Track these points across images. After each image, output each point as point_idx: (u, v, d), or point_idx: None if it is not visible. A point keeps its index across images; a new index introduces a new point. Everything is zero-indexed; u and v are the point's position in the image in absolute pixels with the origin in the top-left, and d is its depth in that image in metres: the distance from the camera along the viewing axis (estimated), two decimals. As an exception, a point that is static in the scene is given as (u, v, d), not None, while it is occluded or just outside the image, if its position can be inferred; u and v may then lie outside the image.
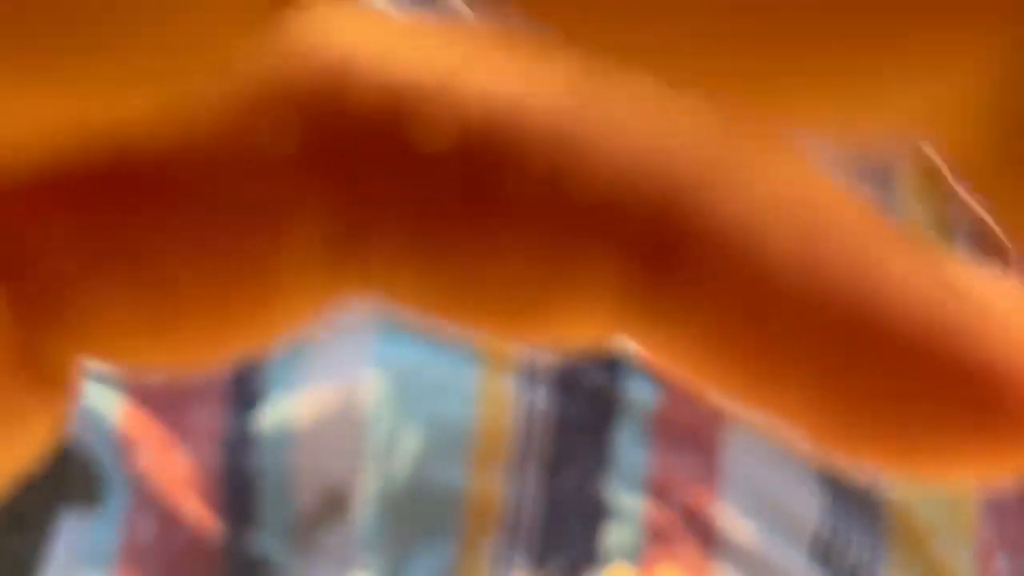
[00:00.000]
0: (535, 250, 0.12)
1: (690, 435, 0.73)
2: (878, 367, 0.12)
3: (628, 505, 0.72)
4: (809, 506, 0.74)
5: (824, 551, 0.73)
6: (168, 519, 0.73)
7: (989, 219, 0.70)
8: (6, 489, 0.12)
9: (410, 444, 0.71)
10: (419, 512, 0.72)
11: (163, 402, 0.74)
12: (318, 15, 0.11)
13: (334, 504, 0.72)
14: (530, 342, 0.12)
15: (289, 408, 0.73)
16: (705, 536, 0.72)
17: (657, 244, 0.12)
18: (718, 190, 0.11)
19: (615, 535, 0.72)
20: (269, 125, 0.11)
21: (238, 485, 0.73)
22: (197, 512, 0.73)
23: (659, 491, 0.72)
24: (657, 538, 0.72)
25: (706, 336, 0.12)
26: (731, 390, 0.12)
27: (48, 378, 0.12)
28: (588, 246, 0.12)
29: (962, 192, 0.70)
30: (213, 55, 0.09)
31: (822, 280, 0.11)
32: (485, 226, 0.12)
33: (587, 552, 0.72)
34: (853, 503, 0.75)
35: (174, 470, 0.73)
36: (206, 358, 0.12)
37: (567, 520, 0.72)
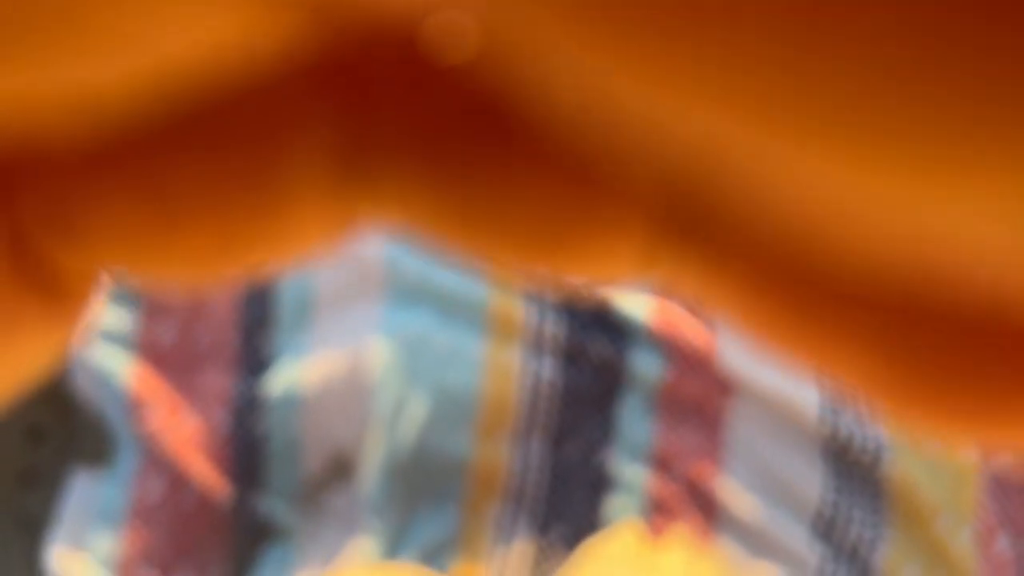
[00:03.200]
0: (563, 182, 0.11)
1: (695, 409, 0.73)
2: (944, 322, 0.10)
3: (632, 477, 0.72)
4: (812, 483, 0.73)
5: (826, 528, 0.73)
6: (177, 480, 0.73)
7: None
8: (7, 398, 0.12)
9: (417, 411, 0.72)
10: (424, 479, 0.72)
11: (173, 364, 0.74)
12: None
13: (340, 469, 0.72)
14: (555, 273, 0.12)
15: (297, 373, 0.73)
16: (707, 509, 0.72)
17: (691, 185, 0.10)
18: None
19: (618, 506, 0.72)
20: (275, 35, 0.10)
21: (246, 448, 0.73)
22: (205, 474, 0.73)
23: (663, 464, 0.72)
24: (660, 510, 0.72)
25: (746, 284, 0.11)
26: (768, 337, 0.11)
27: (53, 288, 0.12)
28: (620, 182, 0.11)
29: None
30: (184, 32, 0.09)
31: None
32: (509, 150, 0.11)
33: (590, 522, 0.72)
34: (856, 481, 0.74)
35: (183, 431, 0.74)
36: (214, 272, 0.12)
37: (571, 490, 0.72)
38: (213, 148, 0.11)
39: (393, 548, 0.71)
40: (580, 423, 0.73)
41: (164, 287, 0.12)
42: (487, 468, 0.72)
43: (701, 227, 0.11)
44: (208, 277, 0.12)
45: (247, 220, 0.11)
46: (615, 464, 0.72)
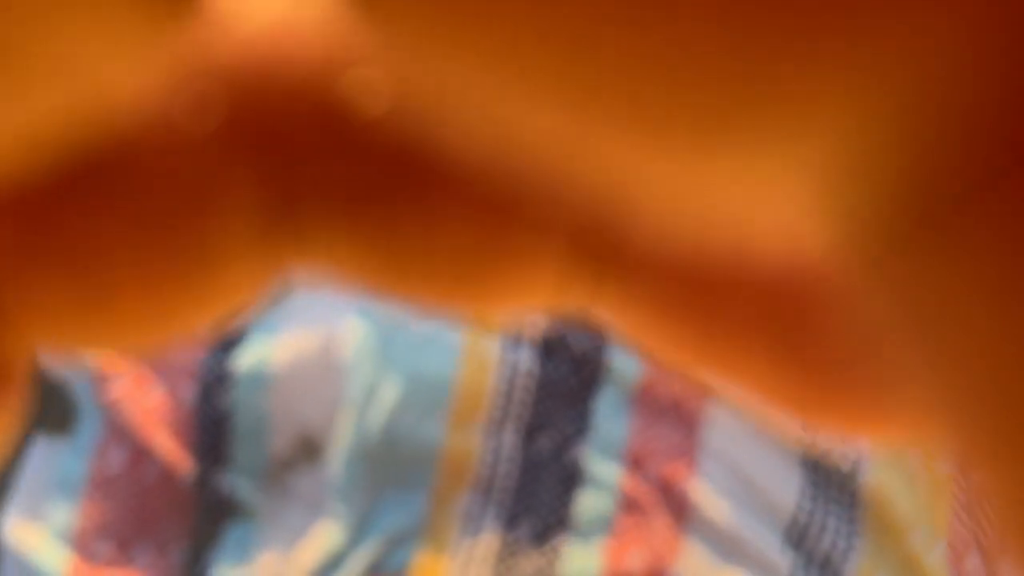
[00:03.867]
0: (480, 219, 0.12)
1: (673, 408, 0.73)
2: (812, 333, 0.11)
3: (604, 473, 0.71)
4: (788, 490, 0.73)
5: (799, 536, 0.73)
6: (138, 452, 0.72)
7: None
8: None
9: (388, 395, 0.71)
10: (392, 465, 0.71)
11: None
12: None
13: (307, 449, 0.72)
14: (475, 308, 0.12)
15: (268, 350, 0.72)
16: (679, 511, 0.71)
17: (600, 215, 0.11)
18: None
19: (588, 503, 0.71)
20: (194, 100, 0.11)
21: (211, 423, 0.72)
22: (168, 447, 0.72)
23: (637, 462, 0.72)
24: (630, 509, 0.71)
25: (654, 305, 0.12)
26: (684, 356, 0.12)
27: None
28: (534, 216, 0.12)
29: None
30: (105, 64, 0.09)
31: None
32: (427, 194, 0.12)
33: (559, 518, 0.71)
34: (833, 490, 0.74)
35: (147, 402, 0.73)
36: (152, 337, 0.12)
37: (541, 484, 0.71)
38: (140, 215, 0.11)
39: (357, 533, 0.70)
40: (555, 416, 0.72)
41: (103, 357, 0.11)
42: (457, 457, 0.71)
43: (608, 254, 0.12)
44: (144, 343, 0.12)
45: (179, 283, 0.12)
46: (588, 460, 0.72)
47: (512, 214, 0.12)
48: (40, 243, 0.11)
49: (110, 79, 0.09)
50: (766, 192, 0.08)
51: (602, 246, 0.12)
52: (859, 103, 0.08)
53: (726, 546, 0.71)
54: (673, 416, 0.73)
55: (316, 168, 0.12)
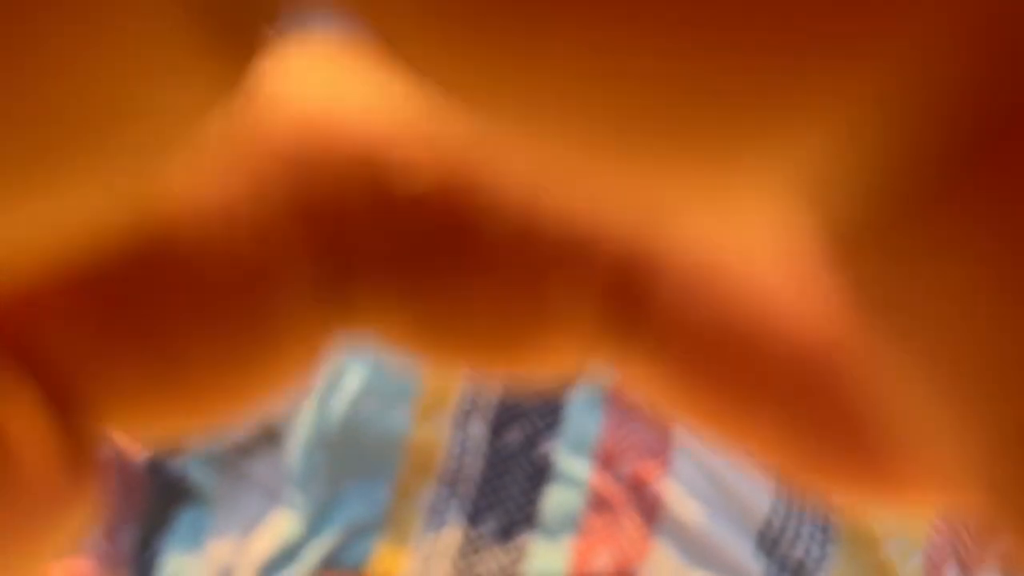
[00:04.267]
0: (517, 285, 0.12)
1: (647, 407, 0.71)
2: (825, 400, 0.12)
3: (574, 470, 0.69)
4: (762, 495, 0.71)
5: (772, 542, 0.71)
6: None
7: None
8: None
9: (352, 383, 0.69)
10: (354, 454, 0.69)
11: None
12: (282, 67, 0.12)
13: (266, 435, 0.70)
14: (513, 372, 0.13)
15: None
16: (650, 511, 0.69)
17: (629, 279, 0.12)
18: (668, 242, 0.12)
19: (556, 500, 0.69)
20: (251, 180, 0.12)
21: (167, 405, 0.70)
22: (121, 428, 0.70)
23: (608, 459, 0.70)
24: (600, 507, 0.69)
25: (678, 370, 0.12)
26: (703, 421, 0.13)
27: (81, 461, 0.12)
28: (566, 281, 0.12)
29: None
30: (176, 143, 0.09)
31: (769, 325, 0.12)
32: (467, 263, 0.12)
33: (526, 514, 0.69)
34: (808, 498, 0.72)
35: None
36: (219, 417, 0.12)
37: (508, 478, 0.69)
38: (201, 293, 0.12)
39: (315, 524, 0.68)
40: (525, 409, 0.70)
41: (166, 438, 0.12)
42: (422, 448, 0.69)
43: (637, 319, 0.12)
44: (210, 419, 0.12)
45: (240, 358, 0.12)
46: (558, 456, 0.69)
47: (545, 281, 0.12)
48: (111, 325, 0.12)
49: (172, 163, 0.10)
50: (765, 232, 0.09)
51: (629, 310, 0.12)
52: (840, 144, 0.08)
53: (696, 549, 0.70)
54: (648, 414, 0.71)
55: (365, 241, 0.12)
